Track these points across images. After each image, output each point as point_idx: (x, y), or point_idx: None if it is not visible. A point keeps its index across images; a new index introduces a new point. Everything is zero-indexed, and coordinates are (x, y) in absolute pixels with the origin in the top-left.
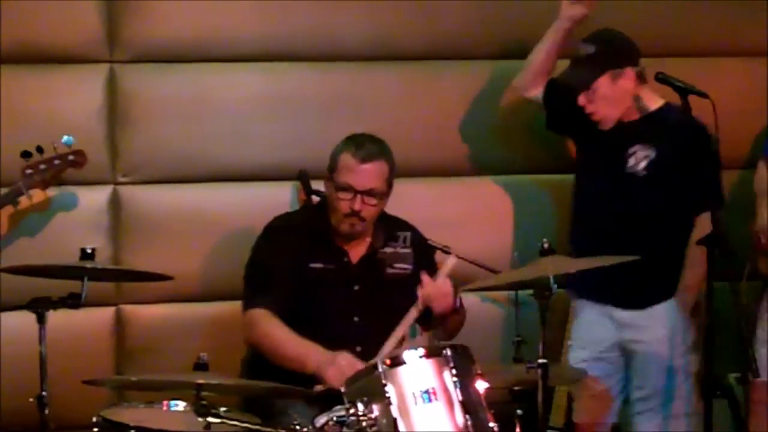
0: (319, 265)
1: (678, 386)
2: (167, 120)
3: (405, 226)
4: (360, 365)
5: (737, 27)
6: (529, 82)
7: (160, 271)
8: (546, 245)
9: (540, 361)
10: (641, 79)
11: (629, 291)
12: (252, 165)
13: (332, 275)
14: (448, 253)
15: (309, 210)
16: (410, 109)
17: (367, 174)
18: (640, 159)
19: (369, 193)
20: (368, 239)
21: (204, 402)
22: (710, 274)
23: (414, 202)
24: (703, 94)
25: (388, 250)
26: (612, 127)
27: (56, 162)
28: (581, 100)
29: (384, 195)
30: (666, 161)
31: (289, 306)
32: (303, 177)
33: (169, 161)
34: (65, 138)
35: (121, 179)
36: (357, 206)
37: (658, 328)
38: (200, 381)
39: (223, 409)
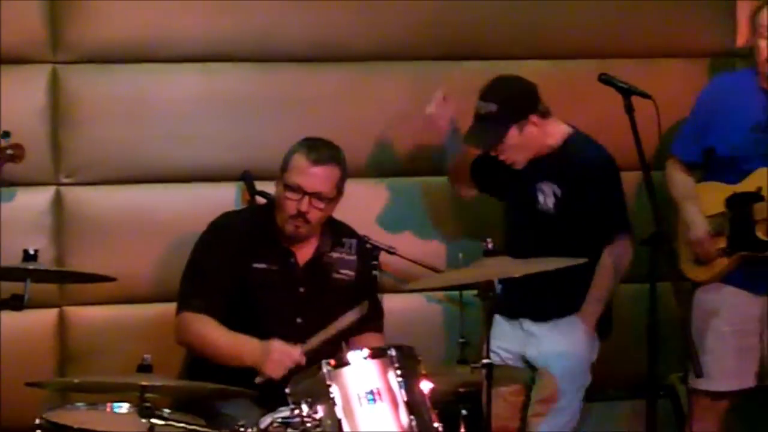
0: (262, 266)
1: (570, 400)
2: (110, 121)
3: (351, 233)
4: (292, 350)
5: (679, 28)
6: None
7: (104, 272)
8: (490, 245)
9: (484, 361)
10: (545, 117)
11: (536, 303)
12: (195, 166)
13: (277, 276)
14: (393, 253)
15: (256, 209)
16: (353, 111)
17: (317, 177)
18: (547, 195)
19: (317, 195)
20: (315, 242)
21: (148, 404)
22: (653, 275)
23: (358, 202)
24: (645, 95)
25: (335, 255)
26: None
27: None
28: (492, 152)
29: (332, 200)
30: (571, 197)
31: (229, 306)
32: (247, 178)
33: (113, 162)
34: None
35: (64, 180)
36: (304, 208)
37: (560, 340)
38: (144, 383)
39: (167, 410)
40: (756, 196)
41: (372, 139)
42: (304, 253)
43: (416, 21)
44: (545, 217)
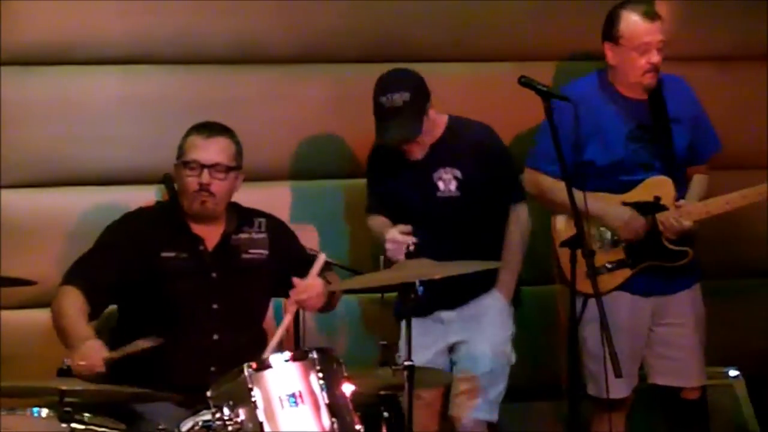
0: (171, 254)
1: (500, 372)
2: (35, 124)
3: (259, 213)
4: (95, 359)
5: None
6: None
7: (25, 276)
8: (412, 247)
9: (406, 363)
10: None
11: (448, 292)
12: (117, 168)
13: (187, 263)
14: (314, 255)
15: (163, 203)
16: (274, 113)
17: (212, 148)
18: (448, 180)
19: (216, 167)
20: (222, 226)
21: (68, 408)
22: (573, 277)
23: (280, 204)
24: (564, 98)
25: (243, 235)
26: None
27: None
28: (402, 147)
29: (231, 170)
30: (473, 177)
31: (142, 296)
32: (167, 180)
33: (36, 165)
34: None
35: None
36: (205, 179)
37: (480, 319)
38: (64, 387)
39: (87, 415)
40: (657, 206)
41: (294, 141)
42: (212, 238)
43: (337, 23)
44: (448, 202)
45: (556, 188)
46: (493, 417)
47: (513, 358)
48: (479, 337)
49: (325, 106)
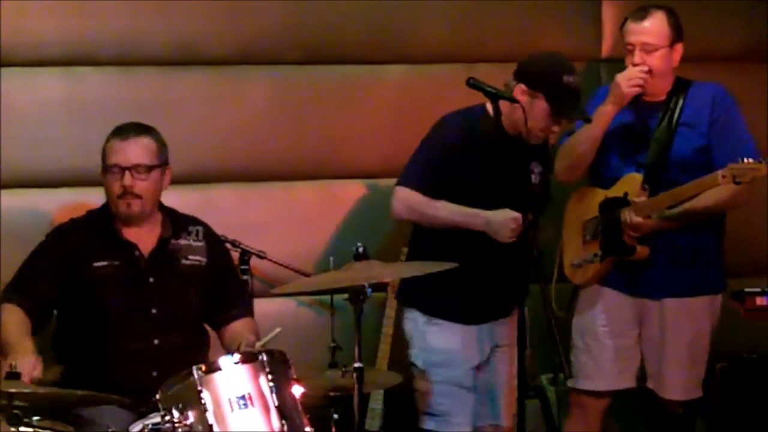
0: (103, 263)
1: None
2: None
3: (196, 221)
4: (26, 372)
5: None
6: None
7: None
8: (360, 249)
9: (356, 365)
10: None
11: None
12: (56, 170)
13: (120, 270)
14: (262, 257)
15: (93, 213)
16: (216, 114)
17: (130, 149)
18: (536, 173)
19: (136, 168)
20: (157, 231)
21: (16, 411)
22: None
23: (226, 207)
24: (513, 100)
25: (182, 242)
26: (516, 145)
27: None
28: (556, 128)
29: (154, 168)
30: (543, 173)
31: (76, 307)
32: None
33: None
34: None
35: None
36: (127, 182)
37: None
38: (12, 390)
39: (36, 418)
40: (624, 201)
41: (234, 143)
42: (147, 243)
43: (278, 25)
44: (533, 194)
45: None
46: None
47: None
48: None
49: (264, 107)
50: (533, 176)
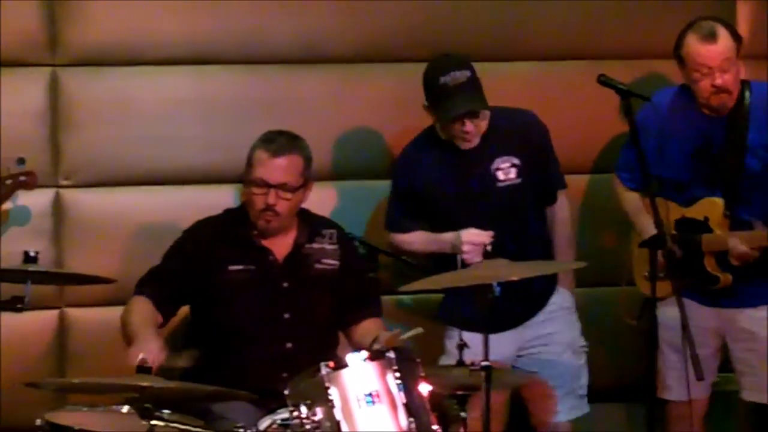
0: (239, 267)
1: (581, 366)
2: (105, 123)
3: (330, 223)
4: (155, 355)
5: (674, 29)
6: None
7: (103, 273)
8: (489, 248)
9: (483, 363)
10: None
11: (530, 298)
12: (187, 168)
13: (255, 275)
14: (390, 255)
15: (230, 213)
16: (340, 112)
17: (279, 168)
18: (506, 169)
19: (282, 187)
20: (293, 236)
21: (147, 405)
22: (653, 278)
23: (350, 204)
24: (644, 97)
25: (315, 245)
26: (462, 151)
27: (8, 182)
28: (468, 126)
29: (298, 189)
30: (529, 163)
31: (208, 311)
32: None
33: (109, 164)
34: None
35: (63, 183)
36: (271, 200)
37: (559, 318)
38: (143, 384)
39: (166, 412)
40: (704, 226)
41: (360, 140)
42: (282, 248)
43: (403, 22)
44: (510, 191)
45: (624, 197)
46: (585, 409)
47: (586, 346)
48: (556, 338)
49: (388, 105)
50: (501, 173)
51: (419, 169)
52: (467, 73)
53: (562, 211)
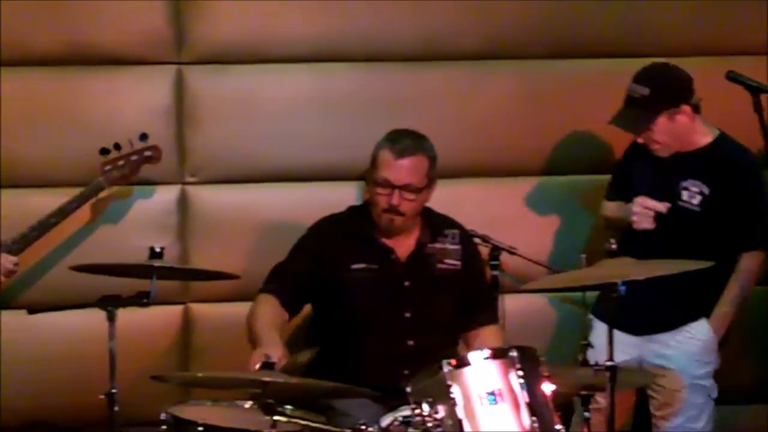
0: (361, 266)
1: (699, 408)
2: (231, 120)
3: (452, 223)
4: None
5: None
6: None
7: (227, 269)
8: (614, 246)
9: (608, 363)
10: (697, 111)
11: (656, 314)
12: (309, 165)
13: (378, 274)
14: (513, 253)
15: (353, 211)
16: (462, 109)
17: (403, 169)
18: (693, 194)
19: (406, 188)
20: (416, 235)
21: (270, 400)
22: None
23: (466, 202)
24: None
25: (438, 245)
26: (668, 157)
27: (133, 158)
28: (639, 140)
29: (422, 189)
30: (719, 197)
31: (330, 308)
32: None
33: (233, 161)
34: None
35: (189, 179)
36: (395, 201)
37: (689, 348)
38: (266, 379)
39: (289, 407)
40: None
41: (480, 137)
42: (405, 248)
43: (526, 19)
44: (687, 214)
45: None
46: None
47: (714, 393)
48: (679, 365)
49: (511, 102)
50: (686, 193)
51: (633, 164)
52: (645, 91)
53: (751, 264)
